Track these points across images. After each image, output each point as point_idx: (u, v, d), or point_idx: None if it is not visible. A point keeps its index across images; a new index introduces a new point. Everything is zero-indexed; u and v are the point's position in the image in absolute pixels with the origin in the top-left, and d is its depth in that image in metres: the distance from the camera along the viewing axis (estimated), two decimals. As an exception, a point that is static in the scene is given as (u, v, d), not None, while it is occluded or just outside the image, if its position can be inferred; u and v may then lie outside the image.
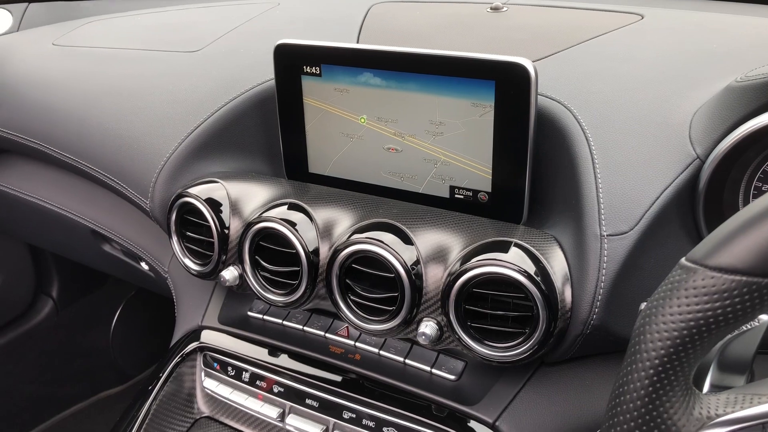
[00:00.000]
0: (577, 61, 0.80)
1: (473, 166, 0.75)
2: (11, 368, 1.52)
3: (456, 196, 0.77)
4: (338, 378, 0.76)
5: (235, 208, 0.79)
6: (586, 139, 0.68)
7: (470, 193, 0.76)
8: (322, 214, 0.76)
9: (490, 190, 0.74)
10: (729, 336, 0.50)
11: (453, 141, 0.74)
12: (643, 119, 0.68)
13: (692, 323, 0.40)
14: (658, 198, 0.62)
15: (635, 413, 0.42)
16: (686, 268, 0.40)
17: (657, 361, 0.41)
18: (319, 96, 0.80)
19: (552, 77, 0.76)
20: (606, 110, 0.70)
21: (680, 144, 0.65)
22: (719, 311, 0.39)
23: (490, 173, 0.74)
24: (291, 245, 0.74)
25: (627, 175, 0.64)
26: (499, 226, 0.72)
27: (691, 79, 0.72)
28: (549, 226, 0.71)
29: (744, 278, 0.38)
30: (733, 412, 0.41)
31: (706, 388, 0.50)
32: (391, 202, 0.78)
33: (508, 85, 0.68)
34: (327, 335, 0.79)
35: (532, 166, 0.71)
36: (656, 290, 0.42)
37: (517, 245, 0.67)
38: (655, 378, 0.41)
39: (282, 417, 0.77)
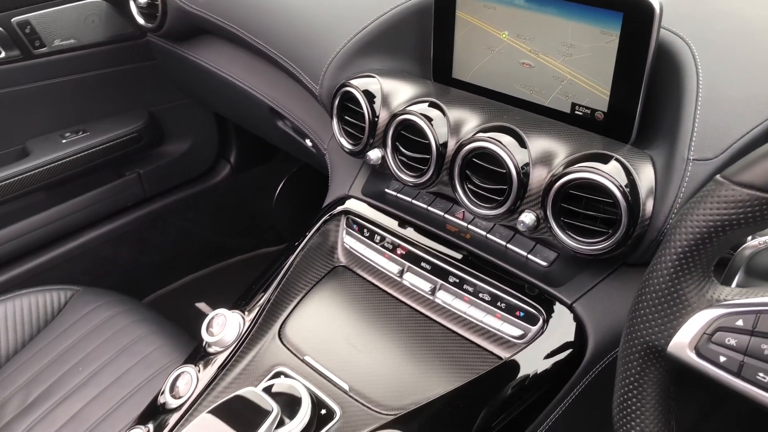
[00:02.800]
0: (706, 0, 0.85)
1: (594, 87, 0.85)
2: (193, 216, 1.84)
3: (576, 112, 0.87)
4: (449, 251, 0.92)
5: (385, 101, 0.95)
6: (697, 75, 0.76)
7: (588, 111, 0.86)
8: (454, 114, 0.90)
9: (606, 110, 0.84)
10: (757, 246, 0.60)
11: (579, 62, 0.84)
12: (756, 61, 0.75)
13: (712, 224, 0.51)
14: (746, 134, 0.70)
15: (660, 287, 0.55)
16: (717, 181, 0.51)
17: (681, 250, 0.53)
18: (470, 10, 0.92)
19: (680, 13, 0.82)
20: (723, 49, 0.77)
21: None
22: (734, 217, 0.50)
23: (608, 95, 0.83)
24: (425, 136, 0.89)
25: (725, 110, 0.73)
26: (607, 142, 0.83)
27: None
28: (650, 147, 0.81)
29: (758, 193, 0.48)
30: (734, 299, 0.53)
31: (732, 285, 0.60)
32: (516, 111, 0.91)
33: (635, 18, 0.77)
34: (446, 215, 0.95)
35: (645, 92, 0.80)
36: (694, 196, 0.53)
37: (617, 159, 0.77)
38: (677, 262, 0.53)
39: (401, 274, 0.95)
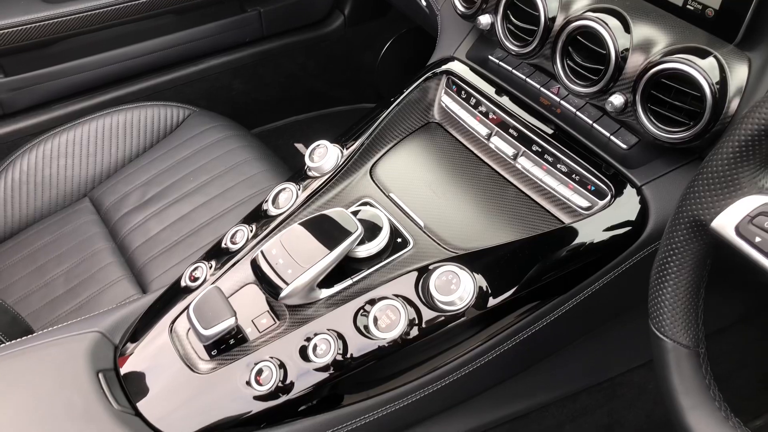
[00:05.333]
0: None
1: (711, -18, 0.86)
2: (303, 61, 1.94)
3: (687, 6, 0.89)
4: (538, 122, 0.99)
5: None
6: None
7: (700, 7, 0.88)
8: (569, -10, 0.93)
9: (717, 8, 0.86)
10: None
11: (701, -44, 0.85)
12: None
13: None
14: None
15: (718, 168, 0.61)
16: None
17: (744, 137, 0.59)
18: None
19: None
20: None
21: None
22: None
23: (723, -7, 0.85)
24: (536, 8, 0.93)
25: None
26: (711, 39, 0.85)
27: None
28: (752, 49, 0.83)
29: None
30: (784, 189, 0.59)
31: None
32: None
33: None
34: (541, 89, 1.01)
35: (760, -5, 0.81)
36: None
37: (715, 57, 0.81)
38: (738, 148, 0.59)
39: (489, 137, 1.03)
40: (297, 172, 1.05)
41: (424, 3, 1.33)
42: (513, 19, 0.99)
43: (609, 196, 0.90)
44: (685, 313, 0.66)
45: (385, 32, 2.03)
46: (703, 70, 0.79)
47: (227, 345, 0.87)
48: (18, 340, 0.91)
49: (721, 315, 1.18)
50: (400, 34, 2.02)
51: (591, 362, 1.10)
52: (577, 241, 0.90)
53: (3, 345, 0.90)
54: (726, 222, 0.61)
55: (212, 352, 0.87)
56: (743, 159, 0.60)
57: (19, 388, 0.83)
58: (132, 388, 0.87)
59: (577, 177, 0.93)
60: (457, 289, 0.83)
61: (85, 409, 0.81)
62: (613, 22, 0.87)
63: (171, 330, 0.90)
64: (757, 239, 0.59)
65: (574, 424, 1.13)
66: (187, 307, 0.87)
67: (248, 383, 0.83)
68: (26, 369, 0.85)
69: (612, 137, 0.93)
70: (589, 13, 0.89)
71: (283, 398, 0.83)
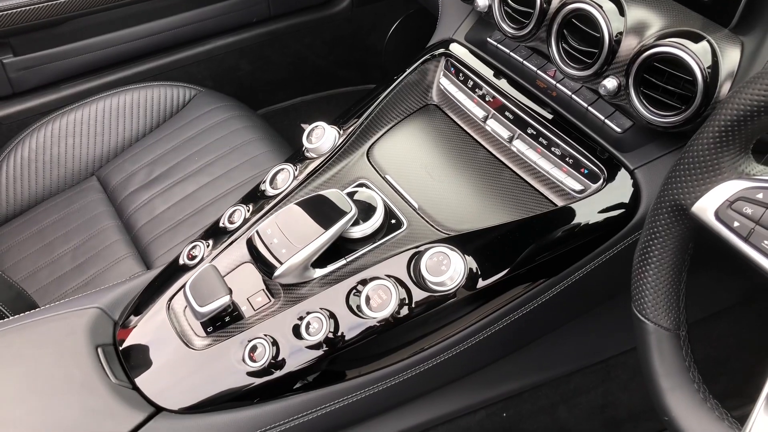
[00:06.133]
0: None
1: (708, -35, 0.86)
2: (309, 41, 1.94)
3: (684, -12, 0.89)
4: (534, 105, 0.99)
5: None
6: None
7: (697, -11, 0.88)
8: (565, -28, 0.93)
9: (714, -9, 0.86)
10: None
11: (698, -62, 0.85)
12: None
13: (756, 103, 0.57)
14: None
15: (699, 153, 0.62)
16: None
17: (724, 122, 0.59)
18: None
19: None
20: None
21: None
22: None
23: (719, -25, 0.84)
24: (531, -10, 0.94)
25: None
26: (706, 23, 0.85)
27: None
28: (746, 34, 0.83)
29: None
30: (762, 175, 0.59)
31: (772, 169, 0.66)
32: (625, -22, 0.93)
33: None
34: (538, 71, 1.01)
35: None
36: (749, 77, 0.58)
37: (708, 41, 0.81)
38: (719, 133, 0.60)
39: (485, 119, 1.03)
40: (295, 153, 1.07)
41: (426, -16, 1.33)
42: (510, 1, 0.99)
43: (602, 180, 0.91)
44: (666, 297, 0.67)
45: (392, 12, 2.02)
46: (695, 54, 0.79)
47: (223, 322, 0.89)
48: (21, 315, 0.93)
49: (719, 298, 1.19)
50: (407, 15, 2.01)
51: (585, 344, 1.11)
52: (570, 223, 0.90)
53: (6, 320, 0.93)
54: (706, 206, 0.62)
55: (208, 329, 0.89)
56: (723, 144, 0.60)
57: (20, 360, 0.86)
58: (130, 362, 0.89)
59: (570, 160, 0.94)
60: (447, 269, 0.84)
61: (83, 383, 0.83)
62: (608, 5, 0.87)
63: (168, 307, 0.92)
64: (736, 224, 0.60)
65: (568, 404, 1.15)
66: (184, 285, 0.89)
67: (243, 359, 0.85)
68: (27, 343, 0.88)
69: (606, 120, 0.93)
70: (584, -4, 0.88)
71: (276, 374, 0.85)
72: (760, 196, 0.59)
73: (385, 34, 2.04)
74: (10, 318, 0.95)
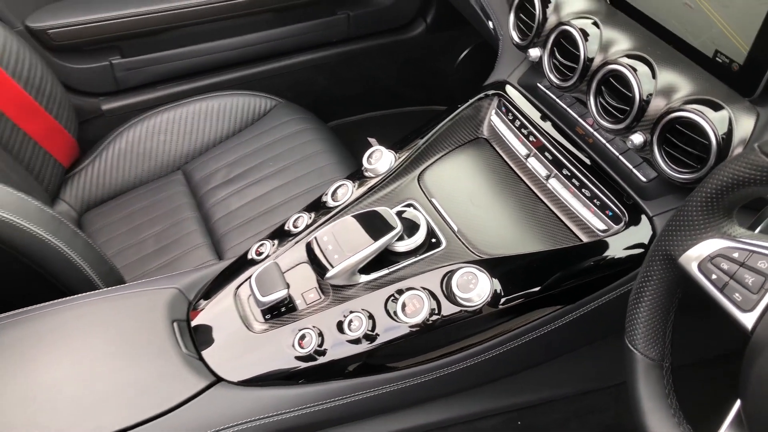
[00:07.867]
0: None
1: (740, 41, 0.95)
2: (382, 63, 2.09)
3: (716, 58, 0.98)
4: (571, 147, 1.10)
5: (557, 7, 1.11)
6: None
7: (728, 61, 0.97)
8: (609, 34, 1.04)
9: (742, 63, 0.95)
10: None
11: (733, 14, 0.94)
12: None
13: (735, 177, 0.67)
14: None
15: (689, 213, 0.72)
16: (752, 148, 0.67)
17: (710, 191, 0.70)
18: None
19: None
20: None
21: None
22: (751, 176, 0.66)
23: (747, 50, 0.94)
24: (578, 48, 1.05)
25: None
26: (729, 93, 0.94)
27: None
28: (764, 105, 0.92)
29: None
30: (741, 238, 0.70)
31: (756, 231, 0.76)
32: (662, 45, 1.03)
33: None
34: (578, 118, 1.12)
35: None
36: (735, 155, 0.69)
37: (726, 110, 0.91)
38: (705, 199, 0.71)
39: (527, 157, 1.15)
40: (356, 171, 1.21)
41: (491, 26, 1.45)
42: (558, 55, 1.11)
43: (623, 223, 1.01)
44: (654, 332, 0.78)
45: (463, 39, 2.15)
46: (713, 122, 0.89)
47: (279, 312, 1.04)
48: (111, 288, 1.11)
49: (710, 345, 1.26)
50: (476, 44, 2.14)
51: (599, 367, 1.22)
52: (590, 258, 1.01)
53: (100, 291, 1.11)
54: (691, 258, 0.72)
55: (266, 316, 1.04)
56: (709, 207, 0.71)
57: (108, 326, 1.03)
58: (199, 337, 1.05)
59: (598, 202, 1.05)
60: (475, 288, 0.97)
61: (159, 349, 1.00)
62: (642, 69, 0.98)
63: (235, 294, 1.08)
64: (713, 276, 0.70)
65: (580, 420, 1.25)
66: (250, 277, 1.05)
67: (292, 345, 1.00)
68: (116, 311, 1.05)
69: (634, 170, 1.04)
70: (623, 59, 0.99)
71: (319, 361, 0.99)
72: (736, 255, 0.69)
73: (454, 60, 2.17)
74: (103, 289, 1.13)
